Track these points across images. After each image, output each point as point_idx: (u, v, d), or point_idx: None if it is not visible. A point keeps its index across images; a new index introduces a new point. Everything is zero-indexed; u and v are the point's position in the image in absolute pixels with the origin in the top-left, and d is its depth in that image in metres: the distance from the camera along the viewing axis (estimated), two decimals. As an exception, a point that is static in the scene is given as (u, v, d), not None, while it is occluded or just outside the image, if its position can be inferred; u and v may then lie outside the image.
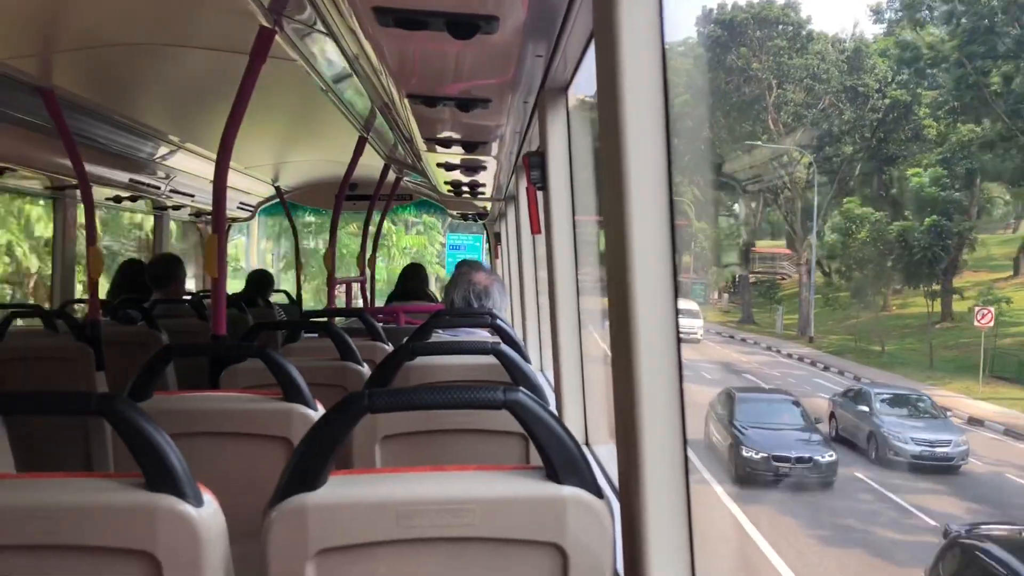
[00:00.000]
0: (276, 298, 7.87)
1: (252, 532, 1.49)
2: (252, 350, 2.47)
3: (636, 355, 1.44)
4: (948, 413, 21.02)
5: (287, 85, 3.52)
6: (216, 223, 3.11)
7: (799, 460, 17.00)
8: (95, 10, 2.96)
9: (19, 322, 4.60)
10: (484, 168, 4.70)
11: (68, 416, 3.30)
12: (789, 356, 31.38)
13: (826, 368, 28.94)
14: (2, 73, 3.37)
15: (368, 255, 7.53)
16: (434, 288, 8.09)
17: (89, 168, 4.10)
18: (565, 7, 2.02)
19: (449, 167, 4.60)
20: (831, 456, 17.32)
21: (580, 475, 1.44)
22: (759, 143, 37.75)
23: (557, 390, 3.16)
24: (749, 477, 17.00)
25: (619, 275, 1.46)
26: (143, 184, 5.51)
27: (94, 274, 4.04)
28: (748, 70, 37.80)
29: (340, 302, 7.30)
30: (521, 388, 1.49)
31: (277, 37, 2.62)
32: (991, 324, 26.33)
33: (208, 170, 5.27)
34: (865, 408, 20.18)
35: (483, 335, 3.31)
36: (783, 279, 40.28)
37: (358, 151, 5.10)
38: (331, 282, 5.99)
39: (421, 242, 25.44)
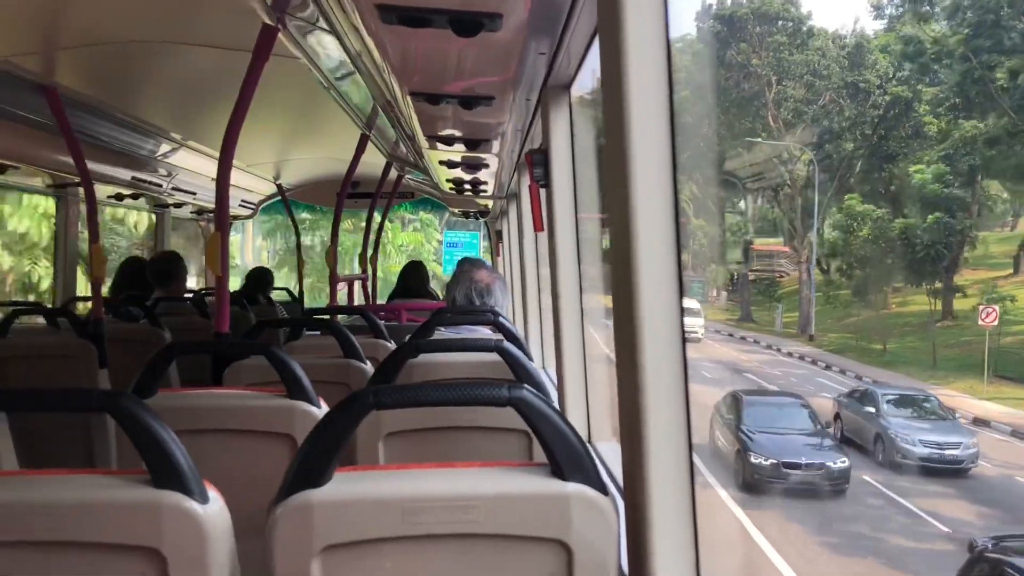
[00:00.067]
0: (277, 296, 7.87)
1: (255, 529, 1.49)
2: (257, 347, 2.48)
3: (641, 351, 1.44)
4: (956, 414, 20.58)
5: (289, 82, 3.52)
6: (219, 221, 3.11)
7: (810, 466, 16.44)
8: (97, 7, 2.96)
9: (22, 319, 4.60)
10: (486, 166, 4.70)
11: (70, 413, 3.31)
12: (790, 355, 31.19)
13: (828, 367, 28.75)
14: (5, 70, 3.37)
15: (370, 253, 7.53)
16: (432, 286, 8.08)
17: (91, 166, 4.11)
18: (569, 4, 2.02)
19: (451, 165, 4.60)
20: (844, 462, 16.73)
21: (585, 472, 1.45)
22: (759, 140, 37.69)
23: (560, 387, 3.17)
24: (758, 484, 16.40)
25: (624, 272, 1.46)
26: (145, 182, 5.51)
27: (97, 272, 4.05)
28: (748, 66, 37.73)
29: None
30: (526, 385, 1.50)
31: (280, 34, 2.62)
32: (996, 323, 25.87)
33: (210, 168, 5.28)
34: (872, 409, 19.74)
35: (485, 332, 3.32)
36: (781, 277, 40.22)
37: (360, 149, 5.10)
38: (333, 280, 6.00)
39: (418, 239, 25.30)
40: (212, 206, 6.66)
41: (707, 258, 41.81)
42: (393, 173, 6.51)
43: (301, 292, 8.74)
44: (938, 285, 32.03)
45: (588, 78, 2.70)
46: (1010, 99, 30.75)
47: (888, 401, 20.03)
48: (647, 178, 1.43)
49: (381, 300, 8.18)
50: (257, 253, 24.72)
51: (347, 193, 5.76)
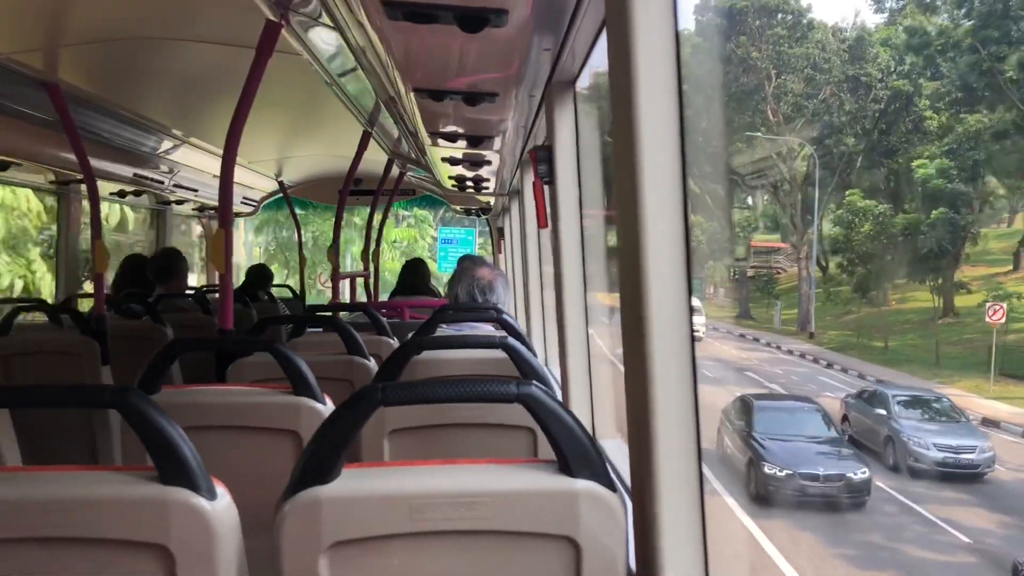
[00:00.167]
0: (278, 292, 7.88)
1: (260, 525, 1.49)
2: (261, 344, 2.48)
3: (649, 347, 1.44)
4: (970, 416, 19.89)
5: (291, 79, 3.52)
6: (223, 218, 3.11)
7: (829, 478, 15.41)
8: (101, 4, 2.96)
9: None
10: (488, 163, 4.70)
11: (74, 409, 3.31)
12: (790, 352, 31.04)
13: (829, 365, 28.54)
14: (8, 67, 3.37)
15: (372, 250, 7.53)
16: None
17: (94, 162, 4.10)
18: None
19: (453, 161, 4.60)
20: (864, 473, 15.67)
21: (593, 469, 1.44)
22: (758, 134, 37.59)
23: (564, 384, 3.16)
24: (772, 497, 15.37)
25: (632, 269, 1.46)
26: (147, 179, 5.51)
27: (99, 268, 4.05)
28: (748, 59, 37.62)
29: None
30: (534, 382, 1.49)
31: (283, 30, 2.61)
32: (1003, 320, 25.23)
33: (211, 164, 5.28)
34: (882, 411, 19.00)
35: (487, 329, 3.32)
36: (779, 273, 40.16)
37: (362, 145, 5.09)
38: (335, 277, 6.00)
39: (412, 235, 25.05)
40: (214, 203, 6.71)
41: (705, 255, 41.76)
42: (395, 170, 6.50)
43: (303, 288, 8.74)
44: (940, 282, 31.87)
45: (584, 75, 2.70)
46: (1019, 91, 30.29)
47: (899, 402, 19.31)
48: (656, 174, 1.42)
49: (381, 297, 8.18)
50: (249, 249, 24.59)
51: (349, 190, 5.76)
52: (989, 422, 20.87)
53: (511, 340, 2.36)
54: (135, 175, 5.34)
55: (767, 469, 15.66)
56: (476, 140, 3.95)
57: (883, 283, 34.20)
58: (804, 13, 38.65)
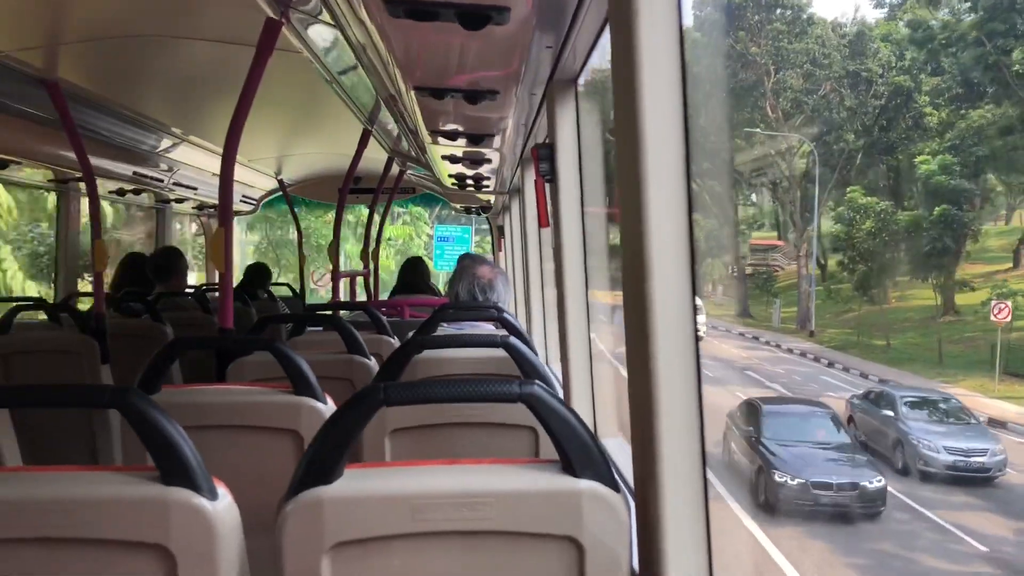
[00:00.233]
0: (277, 291, 7.86)
1: (261, 525, 1.49)
2: (262, 343, 2.47)
3: (653, 347, 1.43)
4: (980, 418, 19.30)
5: (291, 77, 3.51)
6: (223, 216, 3.10)
7: (842, 487, 14.82)
8: (100, 2, 2.95)
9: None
10: (488, 161, 4.68)
11: (74, 409, 3.30)
12: (790, 351, 30.85)
13: (831, 364, 28.29)
14: (7, 65, 3.36)
15: (372, 248, 7.52)
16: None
17: (93, 161, 4.10)
18: None
19: (453, 160, 4.59)
20: (879, 481, 15.06)
21: (596, 469, 1.44)
22: (757, 131, 37.51)
23: (565, 383, 3.16)
24: (782, 507, 14.77)
25: (636, 268, 1.45)
26: (147, 177, 5.50)
27: (99, 267, 4.04)
28: (747, 55, 37.52)
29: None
30: (536, 381, 1.48)
31: (283, 28, 2.60)
32: (1008, 319, 24.75)
33: (211, 163, 5.27)
34: (890, 412, 18.44)
35: (488, 328, 3.31)
36: (777, 271, 40.10)
37: (362, 143, 5.08)
38: (335, 275, 5.99)
39: (407, 232, 24.90)
40: (213, 201, 6.70)
41: (703, 252, 41.69)
42: (395, 168, 6.49)
43: (303, 287, 8.73)
44: (942, 279, 31.69)
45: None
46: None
47: (907, 404, 18.77)
48: (661, 173, 1.41)
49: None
50: (243, 248, 24.55)
51: (349, 188, 5.75)
52: (996, 422, 20.42)
53: (512, 339, 2.36)
54: (135, 173, 5.33)
55: (778, 477, 15.14)
56: (477, 138, 3.94)
57: (884, 281, 34.06)
58: (804, 8, 38.56)
